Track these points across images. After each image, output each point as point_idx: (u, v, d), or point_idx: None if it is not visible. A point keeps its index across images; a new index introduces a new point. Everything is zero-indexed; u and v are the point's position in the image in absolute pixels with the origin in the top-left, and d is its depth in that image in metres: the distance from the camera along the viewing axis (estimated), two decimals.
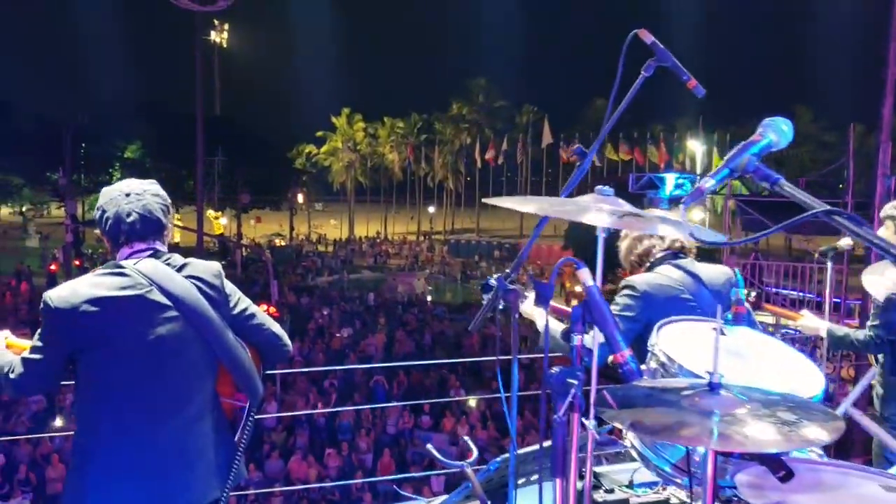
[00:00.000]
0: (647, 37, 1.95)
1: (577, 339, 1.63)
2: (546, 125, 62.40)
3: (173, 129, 40.76)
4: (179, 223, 41.66)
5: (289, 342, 2.46)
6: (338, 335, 21.73)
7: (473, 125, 68.33)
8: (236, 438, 2.35)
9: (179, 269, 2.25)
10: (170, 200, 2.40)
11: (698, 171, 43.14)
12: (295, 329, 22.51)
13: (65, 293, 2.15)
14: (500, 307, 2.04)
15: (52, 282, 24.02)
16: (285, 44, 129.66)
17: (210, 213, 43.94)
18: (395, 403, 15.08)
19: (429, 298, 33.22)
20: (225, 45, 62.95)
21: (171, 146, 42.86)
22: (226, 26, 61.86)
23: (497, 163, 63.63)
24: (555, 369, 1.59)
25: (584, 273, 1.64)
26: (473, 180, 69.76)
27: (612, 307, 2.76)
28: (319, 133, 71.90)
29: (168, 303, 2.16)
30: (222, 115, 57.26)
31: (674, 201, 14.14)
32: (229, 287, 2.34)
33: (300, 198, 57.93)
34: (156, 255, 2.26)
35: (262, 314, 2.42)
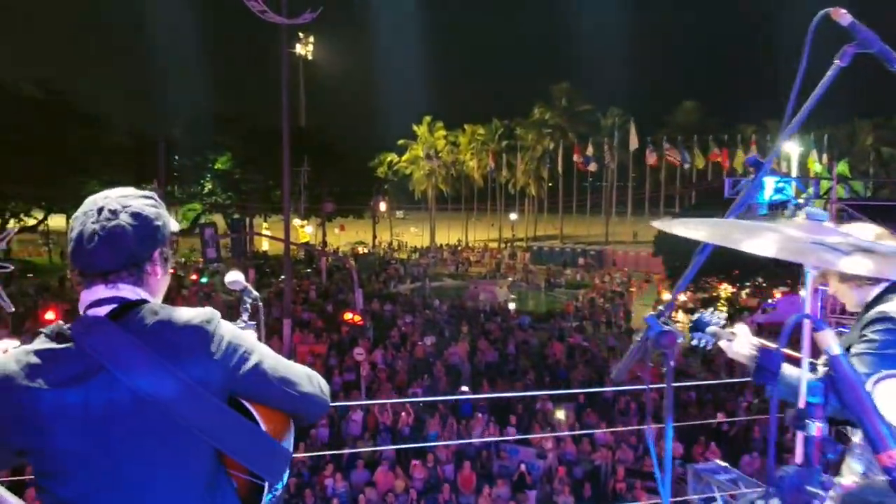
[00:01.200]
0: (845, 17, 1.56)
1: (815, 428, 1.20)
2: (633, 128, 61.10)
3: (261, 141, 41.84)
4: (268, 232, 42.73)
5: (325, 396, 1.90)
6: (420, 343, 21.63)
7: (556, 130, 67.54)
8: None
9: (148, 332, 1.66)
10: (162, 223, 1.78)
11: (794, 173, 41.24)
12: (378, 337, 22.71)
13: None
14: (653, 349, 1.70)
15: None
16: (367, 54, 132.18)
17: (296, 221, 44.86)
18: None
19: (511, 307, 32.81)
20: (310, 58, 64.25)
21: (259, 157, 44.05)
22: (311, 39, 63.15)
23: (588, 168, 62.59)
24: (786, 469, 1.19)
25: (828, 336, 1.23)
26: (556, 186, 68.96)
27: (864, 346, 2.22)
28: (401, 141, 72.65)
29: (124, 391, 1.61)
30: (308, 127, 58.43)
31: (774, 207, 13.28)
32: (226, 341, 1.73)
33: (382, 206, 58.49)
34: (121, 309, 1.69)
35: (286, 367, 1.84)
